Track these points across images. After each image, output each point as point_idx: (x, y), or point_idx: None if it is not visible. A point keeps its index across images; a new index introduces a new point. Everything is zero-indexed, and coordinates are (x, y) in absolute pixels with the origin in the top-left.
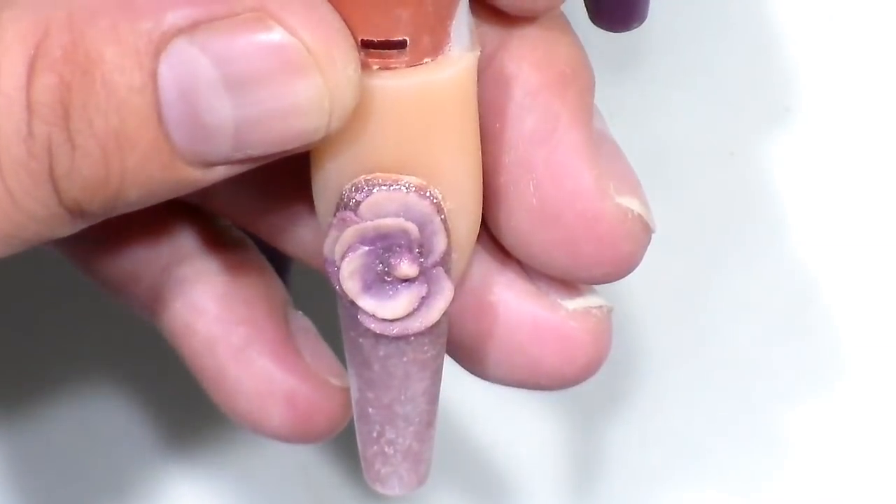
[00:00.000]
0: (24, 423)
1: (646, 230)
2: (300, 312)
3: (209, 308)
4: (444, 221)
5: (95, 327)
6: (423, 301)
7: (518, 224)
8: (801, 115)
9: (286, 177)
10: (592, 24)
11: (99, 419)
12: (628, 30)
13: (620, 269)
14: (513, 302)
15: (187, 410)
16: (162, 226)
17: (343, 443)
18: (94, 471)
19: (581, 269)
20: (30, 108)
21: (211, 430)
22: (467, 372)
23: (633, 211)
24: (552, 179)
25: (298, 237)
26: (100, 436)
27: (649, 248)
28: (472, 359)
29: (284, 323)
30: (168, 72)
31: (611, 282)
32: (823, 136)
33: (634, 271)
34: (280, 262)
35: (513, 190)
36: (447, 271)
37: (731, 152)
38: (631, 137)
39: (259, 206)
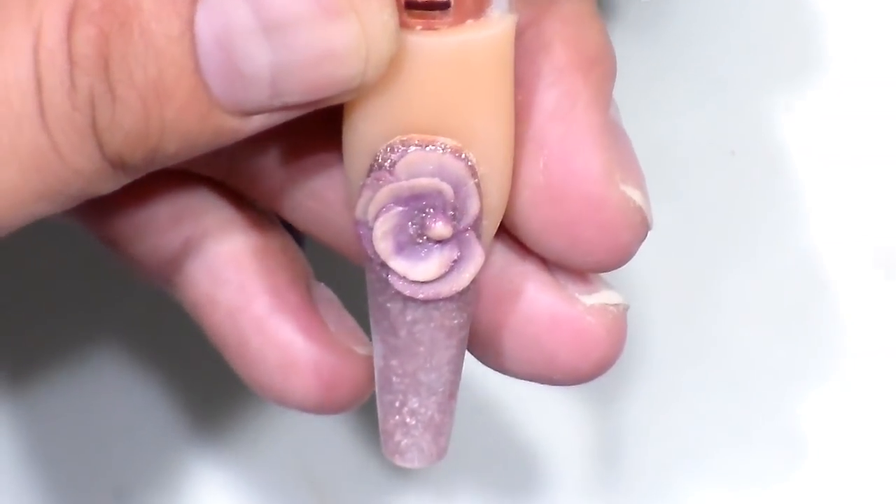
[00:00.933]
0: (36, 401)
1: (644, 223)
2: (322, 284)
3: (231, 278)
4: (478, 185)
5: (108, 308)
6: (455, 265)
7: (521, 201)
8: (802, 113)
9: (312, 154)
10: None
11: (102, 411)
12: None
13: (616, 257)
14: (531, 292)
15: (191, 400)
16: (183, 196)
17: (345, 440)
18: (94, 463)
19: (577, 252)
20: (71, 60)
21: (215, 417)
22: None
23: (634, 201)
24: (562, 157)
25: (321, 217)
26: (102, 428)
27: (652, 245)
28: (487, 349)
29: (308, 292)
30: (204, 19)
31: (604, 271)
32: (825, 135)
33: (637, 270)
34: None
35: (523, 165)
36: (479, 236)
37: (732, 151)
38: (631, 136)
39: (281, 184)
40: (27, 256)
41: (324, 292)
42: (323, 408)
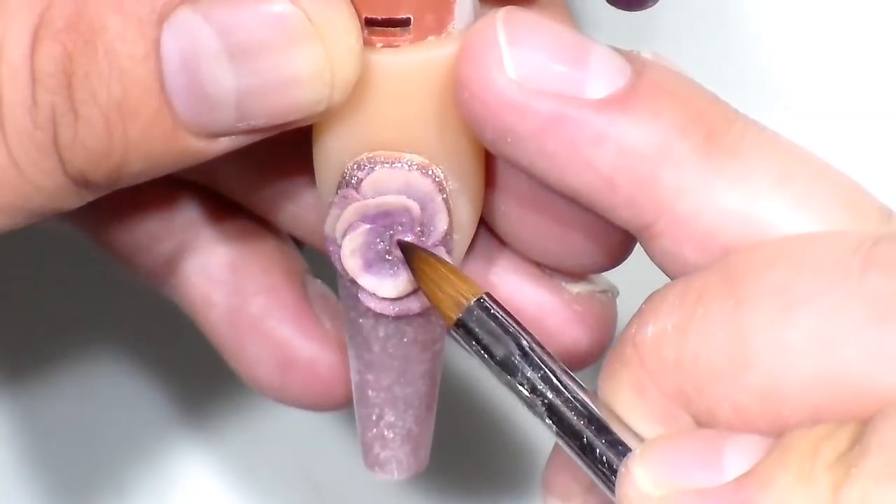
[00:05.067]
0: (36, 401)
1: None
2: (319, 281)
3: (226, 279)
4: (446, 201)
5: (108, 309)
6: None
7: (508, 209)
8: (800, 114)
9: (291, 159)
10: (603, 11)
11: (102, 411)
12: (643, 8)
13: (610, 258)
14: (515, 284)
15: (190, 400)
16: (176, 197)
17: (345, 440)
18: (94, 463)
19: (570, 256)
20: (34, 77)
21: (215, 417)
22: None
23: None
24: None
25: (302, 219)
26: (102, 428)
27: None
28: None
29: (303, 290)
30: (171, 41)
31: (601, 271)
32: (823, 136)
33: (636, 269)
34: None
35: (505, 173)
36: (448, 251)
37: None
38: None
39: (265, 191)
40: (27, 258)
41: (319, 288)
42: (321, 404)
